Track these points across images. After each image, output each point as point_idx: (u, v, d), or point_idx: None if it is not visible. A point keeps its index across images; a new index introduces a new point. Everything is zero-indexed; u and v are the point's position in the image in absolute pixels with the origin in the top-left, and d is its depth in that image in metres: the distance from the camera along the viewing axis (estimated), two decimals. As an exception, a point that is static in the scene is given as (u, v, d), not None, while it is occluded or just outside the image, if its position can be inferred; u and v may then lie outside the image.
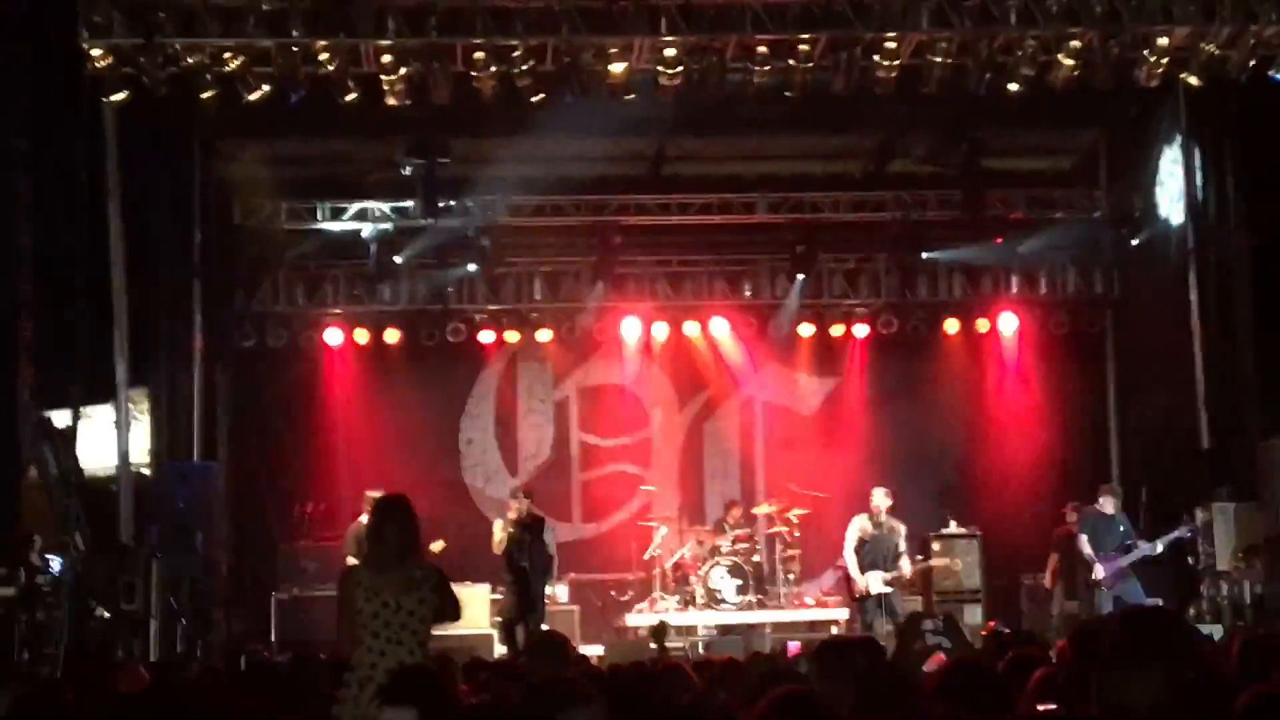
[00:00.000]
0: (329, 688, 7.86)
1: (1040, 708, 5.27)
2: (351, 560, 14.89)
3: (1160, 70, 15.53)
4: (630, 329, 20.46)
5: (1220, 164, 17.65)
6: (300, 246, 19.76)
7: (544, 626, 16.09)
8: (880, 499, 16.44)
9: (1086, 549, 15.78)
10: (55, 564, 13.51)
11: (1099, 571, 15.63)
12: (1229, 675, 6.74)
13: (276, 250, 19.70)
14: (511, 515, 16.75)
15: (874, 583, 16.16)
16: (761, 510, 19.18)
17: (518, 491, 17.44)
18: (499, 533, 16.67)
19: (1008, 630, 14.40)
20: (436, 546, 14.83)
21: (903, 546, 16.43)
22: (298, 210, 19.65)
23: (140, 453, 16.86)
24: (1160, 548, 15.77)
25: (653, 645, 14.91)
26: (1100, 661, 3.88)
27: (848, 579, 16.70)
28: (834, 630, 17.29)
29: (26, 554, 13.37)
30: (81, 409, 15.67)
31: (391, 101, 15.80)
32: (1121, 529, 15.92)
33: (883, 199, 19.93)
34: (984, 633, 14.73)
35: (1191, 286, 18.27)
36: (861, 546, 16.33)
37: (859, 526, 16.42)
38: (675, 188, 19.88)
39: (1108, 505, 16.06)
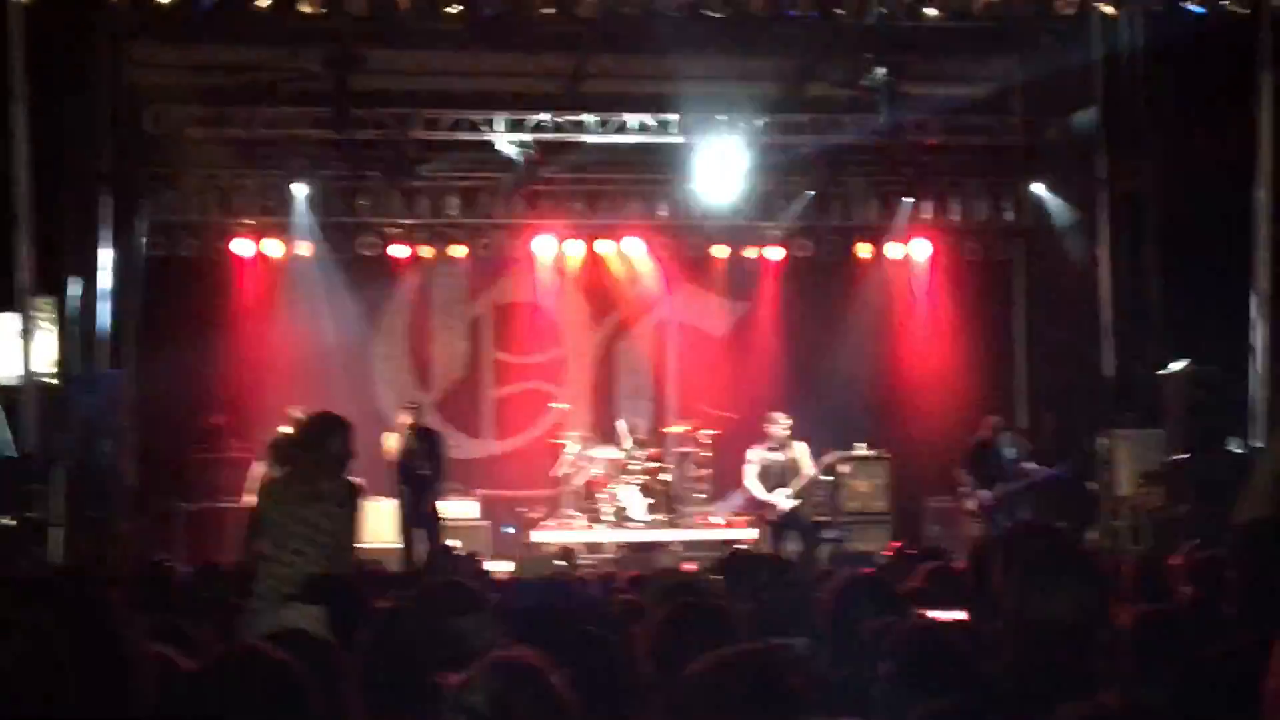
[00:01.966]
0: (235, 598, 7.87)
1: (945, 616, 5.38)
2: (264, 470, 14.87)
3: (1076, -2, 15.60)
4: (545, 247, 20.41)
5: (1132, 93, 17.79)
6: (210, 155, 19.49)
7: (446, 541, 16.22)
8: (779, 427, 16.40)
9: (964, 478, 16.28)
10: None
11: (971, 501, 16.17)
12: (1127, 596, 6.93)
13: (186, 158, 19.40)
14: (408, 421, 16.78)
15: (781, 500, 16.25)
16: (673, 430, 19.31)
17: (409, 403, 17.49)
18: (391, 442, 16.69)
19: (914, 549, 14.59)
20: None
21: (807, 462, 16.47)
22: (208, 118, 19.30)
23: (46, 362, 16.62)
24: (1043, 476, 16.22)
25: (560, 563, 15.01)
26: (1015, 573, 3.99)
27: (759, 506, 16.76)
28: (742, 549, 17.45)
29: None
30: (-16, 317, 15.43)
31: (306, 9, 15.54)
32: (1006, 457, 16.23)
33: (800, 122, 19.91)
34: (888, 551, 14.91)
35: (1101, 215, 18.48)
36: (765, 474, 16.34)
37: (758, 457, 16.39)
38: (593, 105, 19.76)
39: (989, 433, 16.45)
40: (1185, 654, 3.88)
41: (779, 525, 16.41)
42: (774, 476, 16.33)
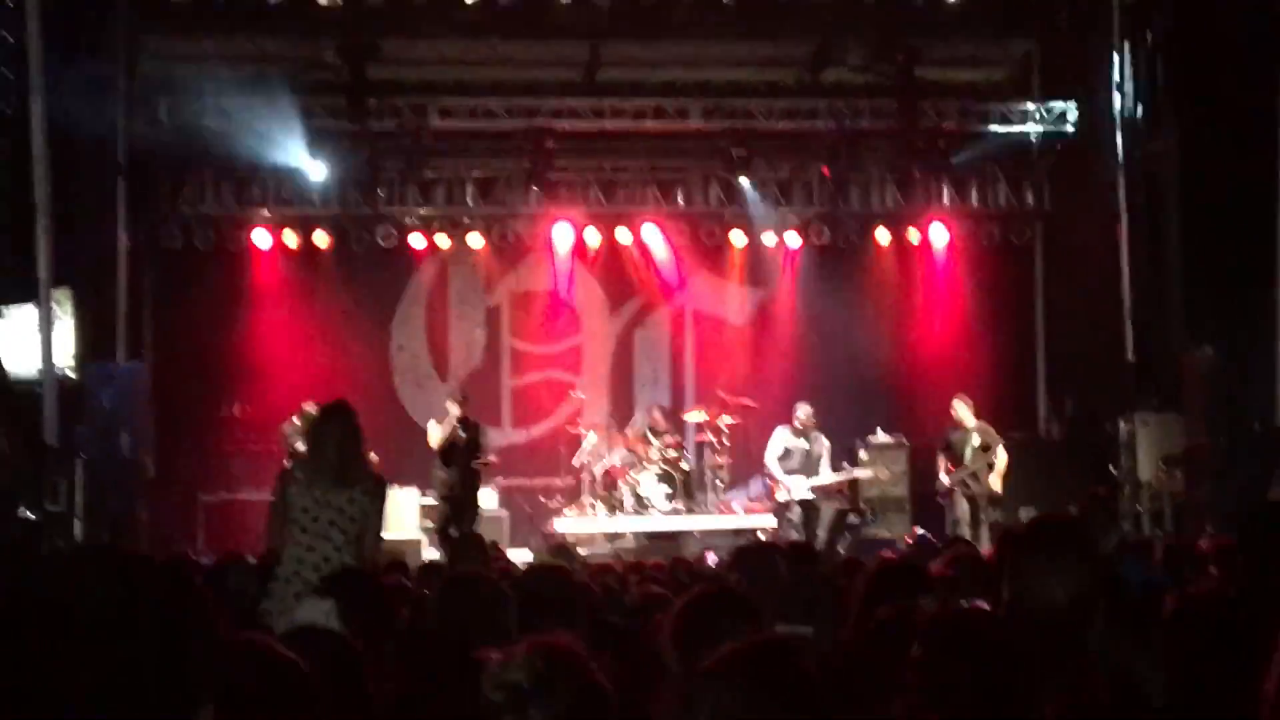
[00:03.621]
0: (255, 589, 7.85)
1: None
2: (288, 460, 14.92)
3: (1094, -20, 15.52)
4: (562, 235, 20.36)
5: (1152, 75, 17.69)
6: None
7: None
8: (804, 413, 16.99)
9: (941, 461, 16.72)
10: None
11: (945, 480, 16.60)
12: (1154, 580, 6.88)
13: (203, 150, 19.38)
14: (457, 413, 16.79)
15: (796, 488, 16.77)
16: (692, 418, 19.28)
17: (457, 393, 17.45)
18: (443, 430, 16.67)
19: (933, 537, 14.56)
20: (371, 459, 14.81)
21: (825, 459, 17.00)
22: (226, 109, 19.26)
23: (64, 354, 16.64)
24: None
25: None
26: (1016, 561, 3.97)
27: (772, 486, 17.15)
28: (760, 537, 17.43)
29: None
30: (3, 310, 15.44)
31: (322, 1, 15.52)
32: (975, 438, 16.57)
33: (816, 107, 19.85)
34: (909, 539, 14.87)
35: (1121, 198, 18.37)
36: (786, 456, 16.92)
37: (782, 437, 17.02)
38: (609, 93, 19.71)
39: (962, 413, 16.77)
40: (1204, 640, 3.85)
41: (792, 508, 16.91)
42: (794, 460, 16.89)
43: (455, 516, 16.42)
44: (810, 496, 16.84)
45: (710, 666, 3.03)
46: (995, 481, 16.60)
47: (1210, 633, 4.01)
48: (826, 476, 17.10)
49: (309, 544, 7.35)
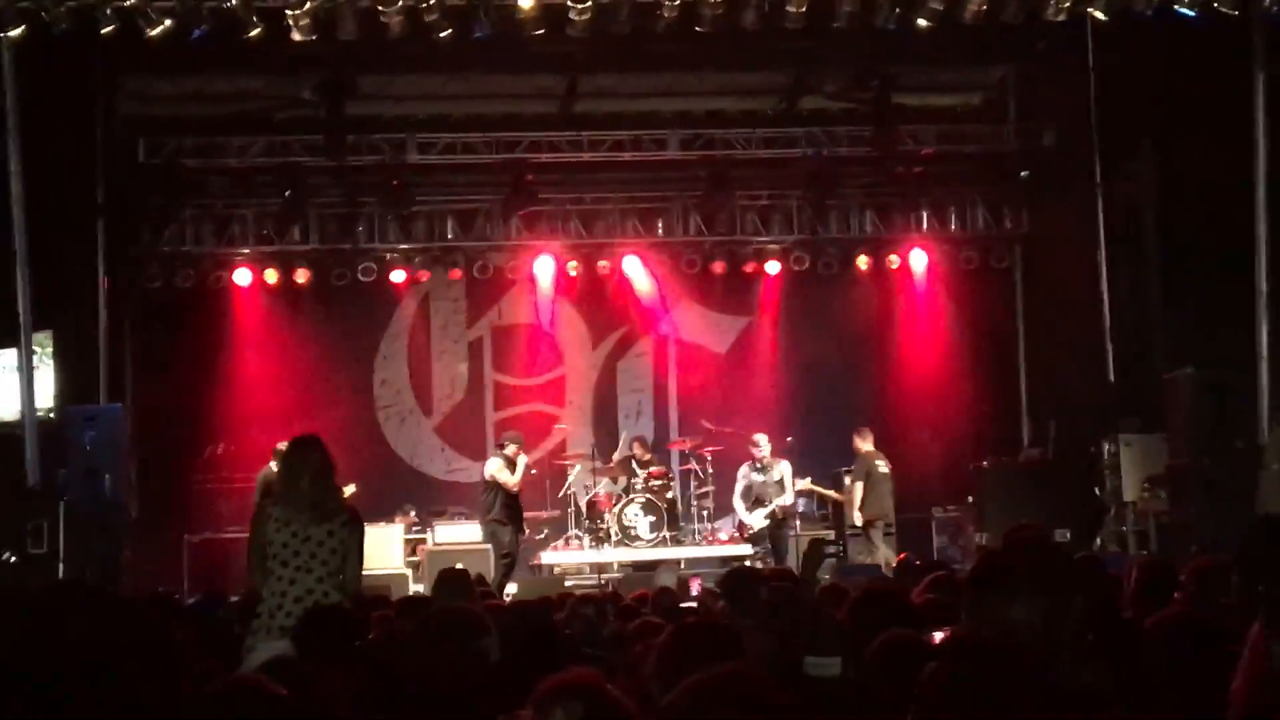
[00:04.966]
0: (240, 627, 7.83)
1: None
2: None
3: (1067, 4, 15.56)
4: (543, 267, 20.37)
5: (1128, 97, 17.76)
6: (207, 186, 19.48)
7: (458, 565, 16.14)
8: (762, 447, 17.45)
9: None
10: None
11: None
12: (1131, 601, 6.88)
13: (182, 189, 19.37)
14: (525, 460, 16.92)
15: (756, 520, 17.40)
16: (676, 448, 19.29)
17: (511, 435, 17.36)
18: (516, 476, 16.64)
19: (919, 560, 14.54)
20: (348, 490, 14.70)
21: (788, 483, 17.42)
22: (204, 148, 19.26)
23: (45, 396, 16.60)
24: None
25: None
26: (980, 585, 3.94)
27: (741, 526, 17.85)
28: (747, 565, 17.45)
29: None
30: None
31: (297, 37, 15.52)
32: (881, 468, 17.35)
33: (794, 135, 19.91)
34: (894, 564, 14.85)
35: (1099, 220, 18.43)
36: (747, 494, 17.52)
37: (744, 475, 17.60)
38: (587, 125, 19.76)
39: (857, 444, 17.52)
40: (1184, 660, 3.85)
41: (756, 539, 17.49)
42: (757, 492, 17.47)
43: (505, 577, 16.31)
44: (764, 525, 17.36)
45: (672, 700, 3.02)
46: (855, 513, 17.40)
47: (1185, 652, 4.01)
48: (788, 498, 17.45)
49: (291, 578, 7.36)
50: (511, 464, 16.65)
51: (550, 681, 3.09)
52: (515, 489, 16.70)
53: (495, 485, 16.63)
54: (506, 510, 16.67)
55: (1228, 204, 15.91)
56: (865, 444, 17.59)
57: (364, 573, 7.88)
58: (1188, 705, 3.93)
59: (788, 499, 17.44)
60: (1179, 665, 4.07)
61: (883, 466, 17.45)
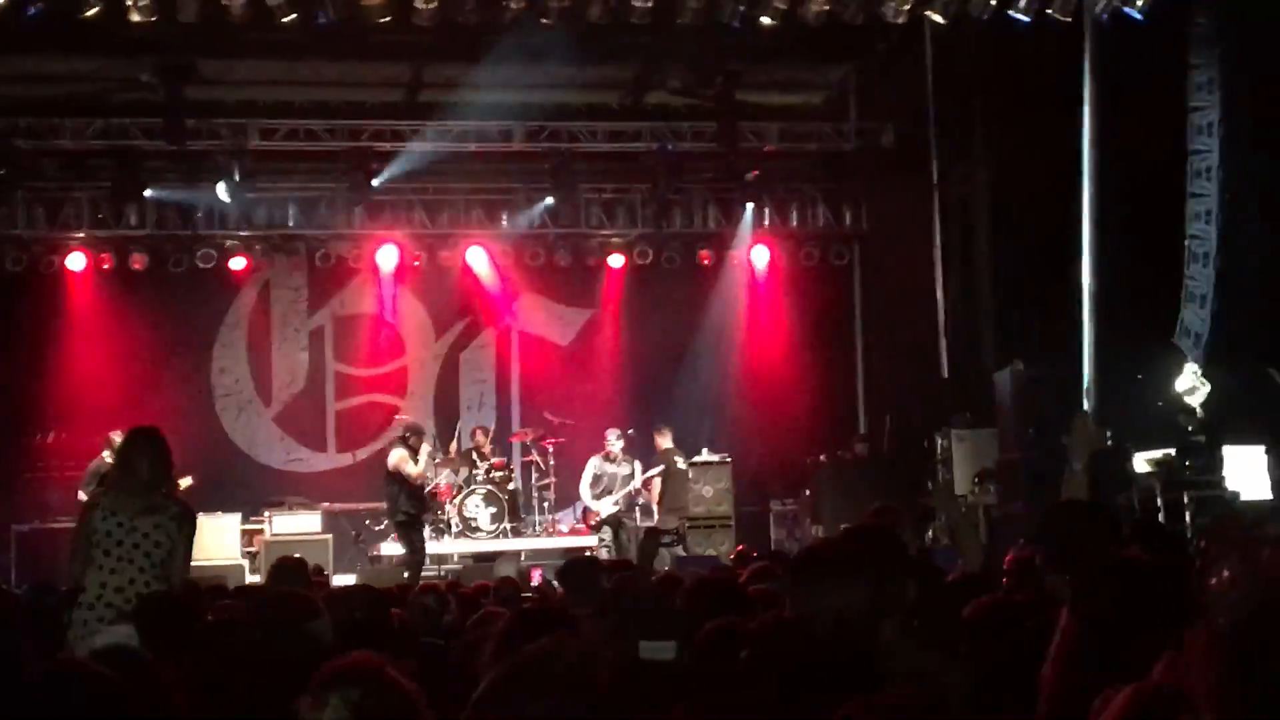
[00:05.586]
0: (66, 616, 7.71)
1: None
2: (83, 493, 14.55)
3: (907, 7, 15.86)
4: (386, 257, 20.25)
5: (964, 99, 18.16)
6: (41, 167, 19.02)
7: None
8: (613, 441, 17.72)
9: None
10: None
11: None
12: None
13: (15, 171, 18.88)
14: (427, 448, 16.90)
15: (604, 507, 17.63)
16: (518, 439, 19.32)
17: (412, 426, 17.17)
18: (419, 468, 16.45)
19: (755, 552, 14.74)
20: (185, 482, 14.52)
21: (638, 477, 17.71)
22: (37, 129, 18.77)
23: None
24: None
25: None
26: (807, 569, 4.07)
27: (587, 513, 17.92)
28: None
29: None
30: None
31: (136, 18, 15.22)
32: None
33: (639, 130, 20.02)
34: (732, 556, 15.04)
35: (935, 219, 18.82)
36: (596, 483, 17.71)
37: (594, 465, 17.80)
38: (432, 114, 19.67)
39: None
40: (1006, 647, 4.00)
41: (602, 528, 17.70)
42: (605, 484, 17.71)
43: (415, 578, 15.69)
44: (614, 511, 17.61)
45: (493, 678, 3.06)
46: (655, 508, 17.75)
47: (1008, 636, 4.17)
48: (634, 485, 17.76)
49: (113, 568, 7.27)
50: (415, 455, 16.47)
51: (328, 666, 3.10)
52: (420, 480, 16.53)
53: (399, 478, 16.36)
54: (413, 503, 16.48)
55: (1056, 204, 16.35)
56: (665, 441, 17.86)
57: (200, 563, 7.82)
58: (1003, 689, 4.08)
59: (633, 485, 17.68)
60: (994, 651, 4.23)
61: (680, 463, 17.70)
